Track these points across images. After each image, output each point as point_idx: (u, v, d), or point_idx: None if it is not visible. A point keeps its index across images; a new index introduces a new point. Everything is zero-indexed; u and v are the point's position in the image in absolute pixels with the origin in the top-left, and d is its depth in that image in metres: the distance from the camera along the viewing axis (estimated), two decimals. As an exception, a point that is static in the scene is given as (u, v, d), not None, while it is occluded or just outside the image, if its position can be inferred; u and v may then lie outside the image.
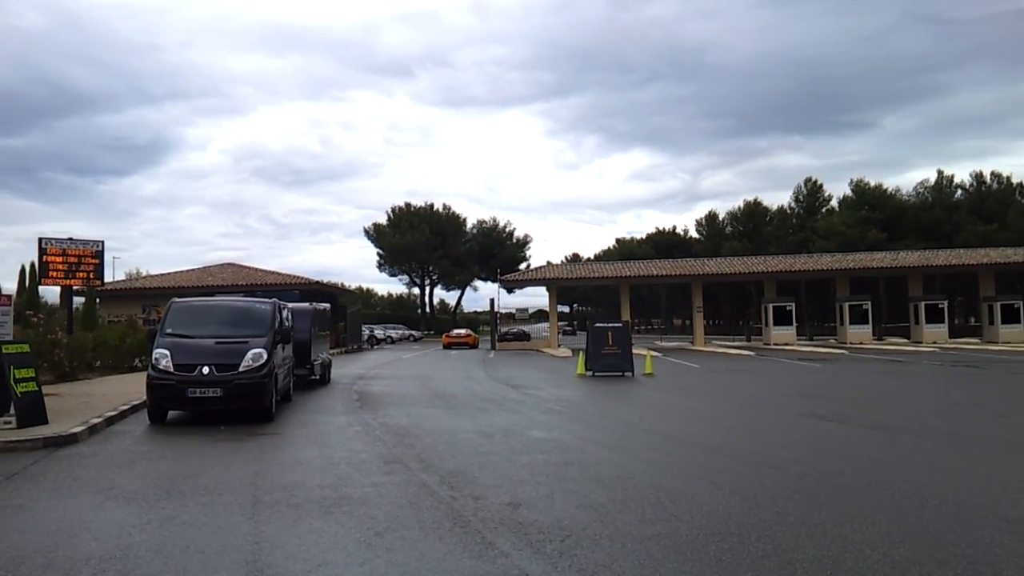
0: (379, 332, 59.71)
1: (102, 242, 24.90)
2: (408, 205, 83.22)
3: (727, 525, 6.23)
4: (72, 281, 24.14)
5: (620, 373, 22.82)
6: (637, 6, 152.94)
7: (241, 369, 12.75)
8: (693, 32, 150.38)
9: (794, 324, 45.77)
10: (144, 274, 61.22)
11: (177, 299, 14.68)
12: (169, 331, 13.39)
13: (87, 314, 25.60)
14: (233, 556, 5.60)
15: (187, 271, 49.15)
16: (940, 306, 45.12)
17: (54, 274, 23.67)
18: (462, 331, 55.62)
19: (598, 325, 24.23)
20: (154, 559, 5.53)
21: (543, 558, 5.44)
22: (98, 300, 27.23)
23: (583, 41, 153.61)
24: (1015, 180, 64.34)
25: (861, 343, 43.02)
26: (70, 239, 24.12)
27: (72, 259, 23.80)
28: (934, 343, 41.72)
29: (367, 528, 6.30)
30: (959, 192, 65.12)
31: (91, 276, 24.47)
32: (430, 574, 5.16)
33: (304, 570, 5.27)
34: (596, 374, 22.84)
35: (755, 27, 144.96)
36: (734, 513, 6.62)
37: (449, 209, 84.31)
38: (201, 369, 12.57)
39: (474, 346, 50.60)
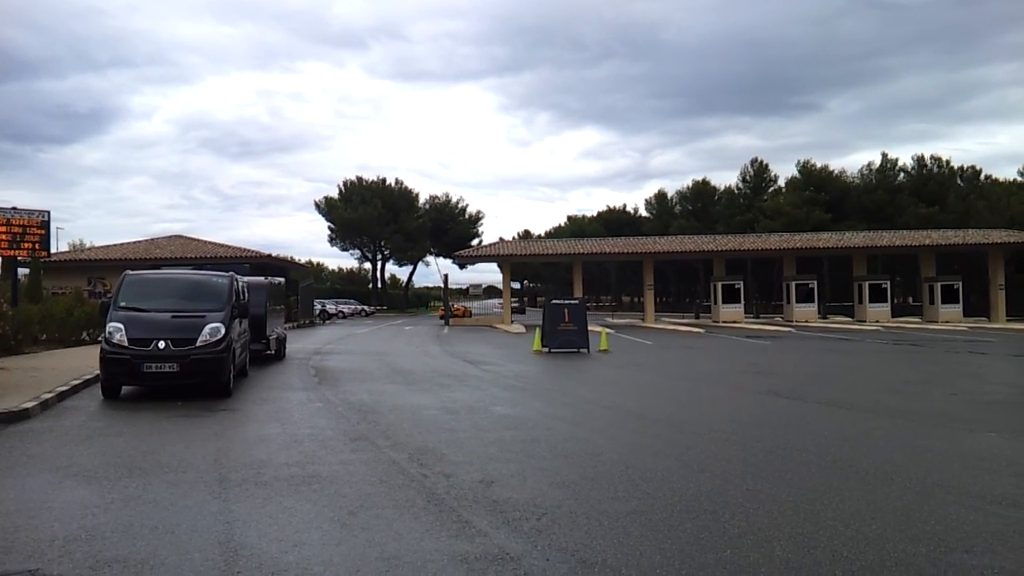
0: (331, 307, 59.04)
1: (48, 212, 24.17)
2: (360, 179, 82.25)
3: (700, 502, 6.30)
4: (17, 252, 23.40)
5: (576, 350, 22.92)
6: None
7: (198, 344, 12.46)
8: (646, 10, 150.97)
9: (742, 302, 46.54)
10: (88, 245, 59.53)
11: (131, 271, 14.25)
12: (123, 304, 12.98)
13: (32, 286, 24.84)
14: (205, 536, 5.47)
15: (134, 243, 47.97)
16: (883, 286, 46.25)
17: (-3, 244, 22.92)
18: (457, 307, 63.81)
19: (555, 302, 24.25)
20: (122, 540, 5.37)
21: (522, 536, 5.43)
22: (41, 271, 26.42)
23: (537, 17, 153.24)
24: (955, 164, 66.15)
25: (807, 321, 43.93)
26: (14, 208, 23.32)
27: (16, 229, 23.03)
28: (877, 322, 42.77)
29: (339, 507, 6.22)
30: (902, 175, 66.47)
31: (36, 247, 23.75)
32: (409, 554, 5.10)
33: (280, 550, 5.16)
34: (552, 351, 22.88)
35: (708, 6, 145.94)
36: (705, 490, 6.70)
37: (401, 184, 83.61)
38: (157, 344, 12.25)
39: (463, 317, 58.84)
